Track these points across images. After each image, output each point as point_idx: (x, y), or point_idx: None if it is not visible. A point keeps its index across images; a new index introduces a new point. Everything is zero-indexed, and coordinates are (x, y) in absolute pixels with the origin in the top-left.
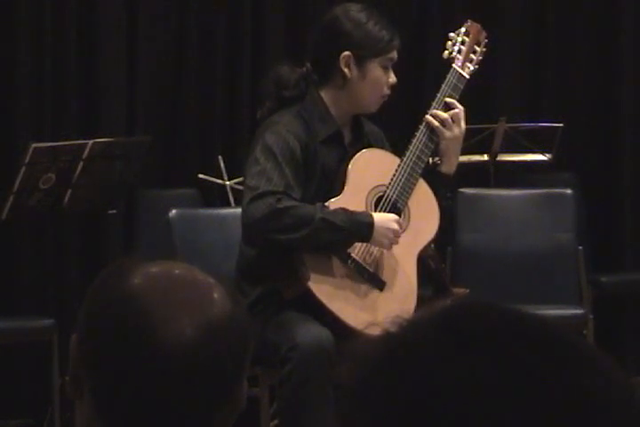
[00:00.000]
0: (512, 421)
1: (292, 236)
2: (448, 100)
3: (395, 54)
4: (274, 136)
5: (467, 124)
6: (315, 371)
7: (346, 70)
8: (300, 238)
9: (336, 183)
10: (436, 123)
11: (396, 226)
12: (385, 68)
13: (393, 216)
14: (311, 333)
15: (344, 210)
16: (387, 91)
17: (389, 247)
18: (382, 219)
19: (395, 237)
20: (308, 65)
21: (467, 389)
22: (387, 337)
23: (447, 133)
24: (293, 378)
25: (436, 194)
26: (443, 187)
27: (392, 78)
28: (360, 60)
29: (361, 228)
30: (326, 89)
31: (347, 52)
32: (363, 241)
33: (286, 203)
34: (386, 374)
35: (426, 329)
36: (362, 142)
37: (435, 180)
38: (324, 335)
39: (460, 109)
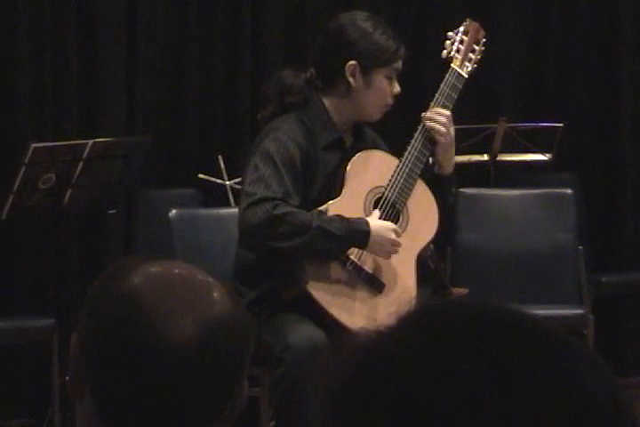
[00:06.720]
0: (493, 408)
1: (288, 243)
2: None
3: (400, 64)
4: (274, 143)
5: (467, 124)
6: (307, 372)
7: (351, 79)
8: (296, 246)
9: (336, 187)
10: (442, 119)
11: (392, 235)
12: (389, 78)
13: (390, 225)
14: (303, 334)
15: (341, 217)
16: (390, 101)
17: (387, 257)
18: (379, 228)
19: (393, 245)
20: (312, 70)
21: (444, 381)
22: (361, 344)
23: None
24: (286, 379)
25: (443, 197)
26: (449, 187)
27: (396, 88)
28: (365, 70)
29: (357, 236)
30: (330, 96)
31: (352, 62)
32: (359, 248)
33: (283, 209)
34: (363, 380)
35: (399, 330)
36: (363, 147)
37: (440, 184)
38: (317, 336)
39: (449, 112)
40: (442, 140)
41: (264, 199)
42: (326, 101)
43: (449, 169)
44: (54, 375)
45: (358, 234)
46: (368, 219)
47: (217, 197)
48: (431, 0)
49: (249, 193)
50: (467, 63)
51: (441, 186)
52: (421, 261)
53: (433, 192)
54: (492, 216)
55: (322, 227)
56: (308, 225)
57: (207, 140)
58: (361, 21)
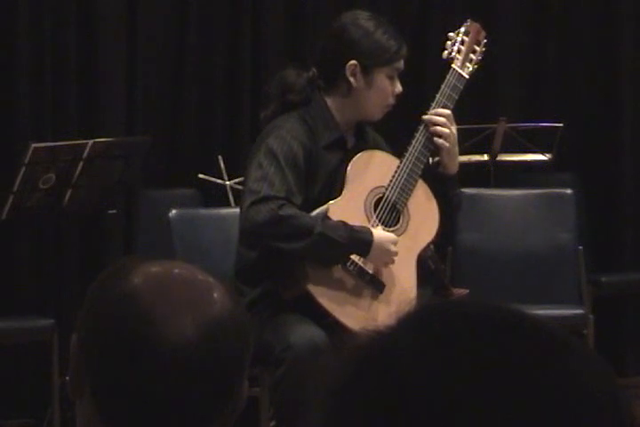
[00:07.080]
0: (493, 408)
1: (289, 245)
2: (433, 111)
3: (401, 64)
4: (278, 141)
5: (467, 124)
6: (308, 372)
7: (352, 79)
8: (296, 249)
9: (337, 187)
10: (442, 120)
11: (394, 248)
12: (391, 78)
13: (393, 237)
14: (305, 334)
15: (345, 224)
16: (392, 100)
17: (384, 266)
18: (381, 240)
19: (391, 257)
20: (314, 70)
21: (444, 381)
22: (361, 344)
23: (449, 131)
24: (287, 379)
25: (446, 196)
26: (453, 187)
27: (398, 88)
28: (366, 70)
29: (359, 245)
30: (332, 96)
31: (353, 61)
32: (359, 256)
33: (287, 211)
34: (364, 380)
35: (399, 330)
36: (364, 147)
37: (444, 184)
38: (318, 336)
39: (448, 111)
40: (445, 143)
41: (268, 198)
42: (328, 101)
43: (454, 169)
44: (54, 375)
45: (361, 243)
46: (372, 229)
47: (217, 197)
48: (431, 0)
49: (253, 191)
50: (467, 64)
51: (444, 186)
52: (422, 262)
53: (435, 192)
54: (492, 216)
55: (324, 233)
56: (311, 230)
57: (207, 140)
58: (363, 21)
